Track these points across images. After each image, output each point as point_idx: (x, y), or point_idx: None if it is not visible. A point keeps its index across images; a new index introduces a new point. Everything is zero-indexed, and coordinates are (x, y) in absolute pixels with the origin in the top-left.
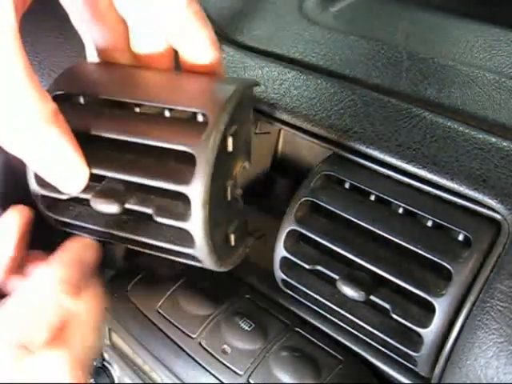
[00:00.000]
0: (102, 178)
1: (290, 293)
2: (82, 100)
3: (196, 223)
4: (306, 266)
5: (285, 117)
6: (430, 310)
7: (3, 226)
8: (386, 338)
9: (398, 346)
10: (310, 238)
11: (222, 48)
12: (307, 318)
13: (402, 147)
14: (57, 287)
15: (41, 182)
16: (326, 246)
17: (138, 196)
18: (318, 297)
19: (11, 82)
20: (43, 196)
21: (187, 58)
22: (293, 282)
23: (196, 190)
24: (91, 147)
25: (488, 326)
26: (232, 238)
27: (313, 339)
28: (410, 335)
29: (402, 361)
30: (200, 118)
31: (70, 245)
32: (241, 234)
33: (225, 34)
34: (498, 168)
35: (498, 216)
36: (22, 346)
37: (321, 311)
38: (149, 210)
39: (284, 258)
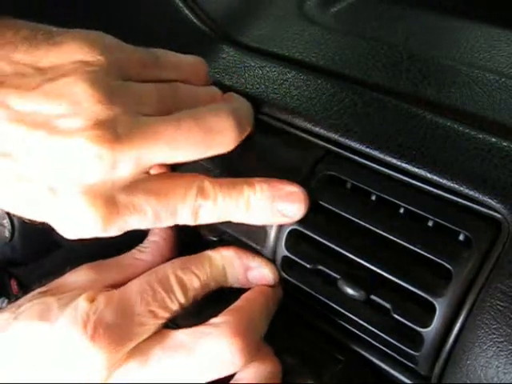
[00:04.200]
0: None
1: (291, 292)
2: None
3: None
4: (307, 266)
5: (285, 117)
6: (431, 309)
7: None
8: (386, 337)
9: (399, 345)
10: (311, 237)
11: (222, 48)
12: (307, 317)
13: (402, 147)
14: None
15: None
16: (327, 246)
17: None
18: (318, 296)
19: None
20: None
21: None
22: (293, 281)
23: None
24: None
25: (488, 326)
26: None
27: (313, 339)
28: (410, 334)
29: (403, 360)
30: None
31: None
32: None
33: (225, 34)
34: (497, 168)
35: (498, 216)
36: None
37: (321, 310)
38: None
39: (285, 257)
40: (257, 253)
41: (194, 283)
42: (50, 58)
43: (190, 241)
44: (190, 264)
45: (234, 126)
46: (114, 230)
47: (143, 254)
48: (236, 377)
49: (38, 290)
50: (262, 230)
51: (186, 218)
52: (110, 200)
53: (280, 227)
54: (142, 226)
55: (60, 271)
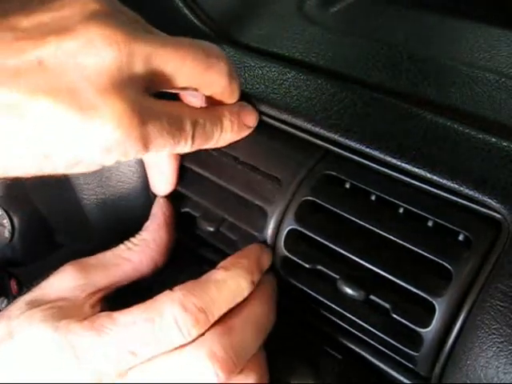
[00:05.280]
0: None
1: (290, 292)
2: None
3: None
4: (307, 266)
5: (285, 117)
6: (430, 309)
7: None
8: (385, 337)
9: (398, 345)
10: (310, 237)
11: (221, 48)
12: (307, 317)
13: (402, 147)
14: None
15: None
16: (326, 246)
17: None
18: (317, 296)
19: None
20: (289, 259)
21: None
22: (293, 281)
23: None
24: None
25: (488, 326)
26: None
27: (312, 339)
28: (409, 335)
29: (402, 360)
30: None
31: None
32: None
33: (225, 34)
34: (497, 168)
35: (498, 216)
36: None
37: (321, 311)
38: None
39: (284, 257)
40: (255, 240)
41: None
42: None
43: (184, 237)
44: None
45: (226, 59)
46: (138, 141)
47: (131, 252)
48: None
49: (25, 298)
50: (261, 217)
51: (187, 135)
52: (132, 101)
53: (279, 225)
54: (159, 142)
55: None
